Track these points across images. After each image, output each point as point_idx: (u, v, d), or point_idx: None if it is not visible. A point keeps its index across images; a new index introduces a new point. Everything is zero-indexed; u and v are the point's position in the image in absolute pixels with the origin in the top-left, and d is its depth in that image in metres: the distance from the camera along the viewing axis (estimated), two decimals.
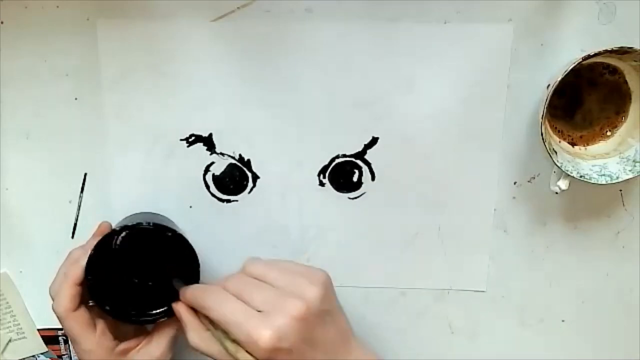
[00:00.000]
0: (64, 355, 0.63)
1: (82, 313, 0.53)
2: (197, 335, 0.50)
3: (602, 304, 0.60)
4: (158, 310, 0.54)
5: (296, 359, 0.45)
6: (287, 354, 0.45)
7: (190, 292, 0.51)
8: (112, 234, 0.52)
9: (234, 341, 0.46)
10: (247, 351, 0.46)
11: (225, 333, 0.47)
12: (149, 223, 0.52)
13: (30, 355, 0.63)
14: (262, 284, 0.48)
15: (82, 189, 0.58)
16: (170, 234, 0.52)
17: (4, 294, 0.60)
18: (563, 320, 0.61)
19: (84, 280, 0.51)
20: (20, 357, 0.62)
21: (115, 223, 0.57)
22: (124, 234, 0.52)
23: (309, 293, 0.47)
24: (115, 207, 0.58)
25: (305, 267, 0.51)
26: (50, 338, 0.62)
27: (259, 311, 0.46)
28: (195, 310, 0.51)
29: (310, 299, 0.46)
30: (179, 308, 0.51)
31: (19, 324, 0.61)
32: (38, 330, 0.62)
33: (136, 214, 0.57)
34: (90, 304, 0.53)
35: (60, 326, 0.60)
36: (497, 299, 0.60)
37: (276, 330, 0.44)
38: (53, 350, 0.63)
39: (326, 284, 0.49)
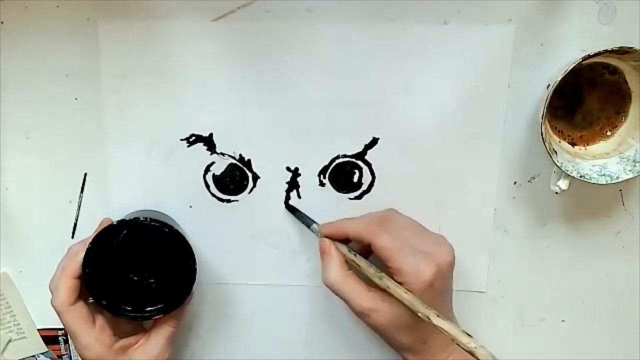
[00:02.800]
0: (64, 355, 0.63)
1: (81, 308, 0.53)
2: (339, 271, 0.52)
3: (602, 304, 0.60)
4: (154, 308, 0.54)
5: (438, 300, 0.50)
6: (434, 294, 0.49)
7: (352, 223, 0.54)
8: (110, 228, 0.52)
9: (384, 276, 0.50)
10: (398, 283, 0.49)
11: (379, 269, 0.50)
12: (145, 218, 0.52)
13: (30, 355, 0.63)
14: (414, 229, 0.53)
15: (82, 189, 0.58)
16: (167, 230, 0.52)
17: (4, 294, 0.60)
18: (563, 320, 0.61)
19: (82, 274, 0.52)
20: (20, 357, 0.62)
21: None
22: (124, 230, 0.52)
23: (450, 246, 0.53)
24: (115, 207, 0.58)
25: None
26: (50, 338, 0.62)
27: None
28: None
29: (452, 251, 0.52)
30: (326, 243, 0.54)
31: (19, 324, 0.61)
32: (38, 330, 0.62)
33: (139, 210, 0.57)
34: (89, 300, 0.53)
35: (60, 326, 0.61)
36: (497, 299, 0.60)
37: (438, 267, 0.49)
38: (53, 350, 0.63)
39: None
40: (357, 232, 0.53)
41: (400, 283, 0.50)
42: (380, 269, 0.51)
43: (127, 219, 0.53)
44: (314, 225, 0.56)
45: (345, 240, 0.54)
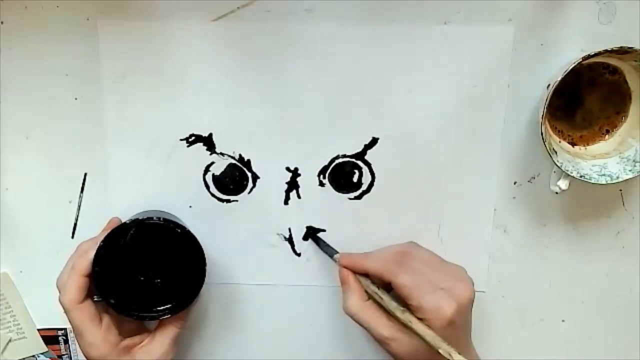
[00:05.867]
0: (64, 355, 0.63)
1: (88, 306, 0.53)
2: (357, 302, 0.53)
3: (602, 304, 0.60)
4: (162, 308, 0.54)
5: (458, 335, 0.50)
6: (454, 330, 0.49)
7: (372, 261, 0.54)
8: (122, 227, 0.52)
9: (406, 311, 0.50)
10: (419, 319, 0.49)
11: (399, 303, 0.51)
12: (159, 218, 0.52)
13: (30, 355, 0.63)
14: (433, 265, 0.53)
15: (82, 189, 0.58)
16: (179, 230, 0.53)
17: (4, 294, 0.60)
18: (563, 320, 0.61)
19: (91, 272, 0.52)
20: (20, 357, 0.62)
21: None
22: (133, 229, 0.52)
23: (470, 281, 0.53)
24: (115, 207, 0.58)
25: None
26: (50, 338, 0.62)
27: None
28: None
29: (472, 286, 0.52)
30: (346, 273, 0.54)
31: (19, 324, 0.61)
32: (38, 330, 0.62)
33: (149, 210, 0.57)
34: (96, 299, 0.53)
35: (60, 326, 0.61)
36: (497, 299, 0.60)
37: (459, 305, 0.50)
38: (53, 350, 0.63)
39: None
40: (376, 271, 0.53)
41: (420, 319, 0.50)
42: (400, 303, 0.51)
43: (140, 218, 0.53)
44: (336, 256, 0.56)
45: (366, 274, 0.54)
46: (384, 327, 0.51)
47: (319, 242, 0.58)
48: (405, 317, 0.50)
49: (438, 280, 0.51)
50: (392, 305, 0.51)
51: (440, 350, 0.47)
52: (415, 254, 0.54)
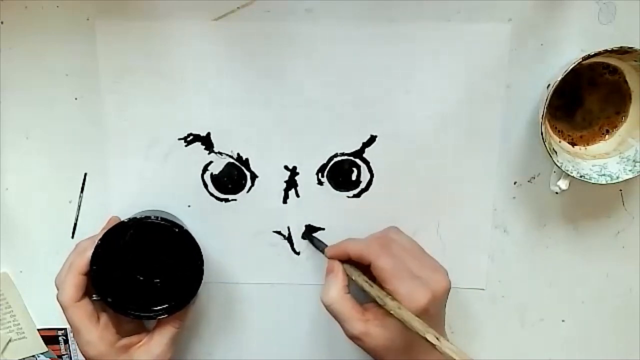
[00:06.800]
0: (64, 355, 0.63)
1: (86, 304, 0.53)
2: (338, 293, 0.53)
3: (602, 304, 0.60)
4: (160, 307, 0.54)
5: (432, 325, 0.49)
6: (428, 319, 0.49)
7: (354, 243, 0.54)
8: (120, 226, 0.52)
9: (394, 298, 0.50)
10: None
11: (382, 290, 0.51)
12: (157, 217, 0.52)
13: (30, 355, 0.63)
14: (413, 252, 0.54)
15: (82, 189, 0.58)
16: (177, 229, 0.53)
17: (4, 294, 0.60)
18: (563, 320, 0.61)
19: (89, 271, 0.52)
20: (20, 357, 0.63)
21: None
22: (132, 229, 0.52)
23: (447, 273, 0.53)
24: (114, 207, 0.58)
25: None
26: (50, 338, 0.62)
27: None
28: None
29: (448, 279, 0.52)
30: (334, 263, 0.54)
31: (19, 324, 0.61)
32: (38, 330, 0.62)
33: (147, 210, 0.57)
34: (94, 297, 0.53)
35: (60, 326, 0.61)
36: (497, 298, 0.60)
37: (433, 294, 0.50)
38: (53, 350, 0.63)
39: None
40: (358, 252, 0.53)
41: None
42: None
43: (138, 217, 0.53)
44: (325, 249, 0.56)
45: (350, 262, 0.54)
46: (359, 321, 0.51)
47: (312, 240, 0.58)
48: (393, 304, 0.50)
49: (416, 269, 0.51)
50: (382, 293, 0.51)
51: (427, 336, 0.46)
52: (397, 239, 0.55)
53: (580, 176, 0.53)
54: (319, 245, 0.57)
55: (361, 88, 0.55)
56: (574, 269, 0.59)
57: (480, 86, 0.55)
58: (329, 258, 0.55)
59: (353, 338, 0.52)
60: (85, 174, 0.58)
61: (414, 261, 0.52)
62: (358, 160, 0.57)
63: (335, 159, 0.57)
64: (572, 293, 0.60)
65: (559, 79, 0.50)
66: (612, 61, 0.53)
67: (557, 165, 0.52)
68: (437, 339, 0.46)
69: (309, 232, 0.59)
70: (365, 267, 0.53)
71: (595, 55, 0.50)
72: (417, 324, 0.48)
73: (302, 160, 0.57)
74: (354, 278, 0.53)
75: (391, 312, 0.49)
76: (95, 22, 0.54)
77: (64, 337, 0.62)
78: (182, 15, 0.53)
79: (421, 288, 0.50)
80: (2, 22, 0.54)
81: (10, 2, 0.53)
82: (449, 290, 0.52)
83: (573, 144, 0.56)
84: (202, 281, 0.53)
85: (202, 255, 0.53)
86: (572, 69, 0.50)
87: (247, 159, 0.57)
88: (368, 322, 0.51)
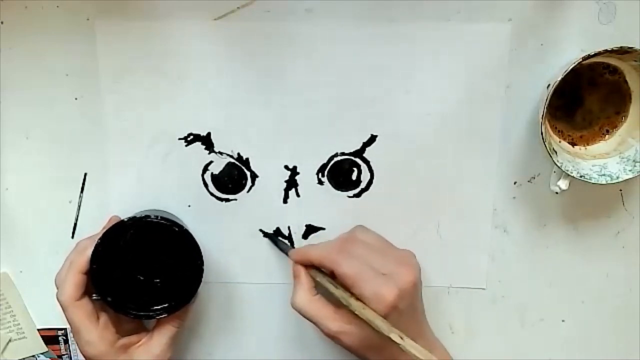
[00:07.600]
0: (64, 355, 0.63)
1: (86, 303, 0.53)
2: (305, 296, 0.53)
3: (602, 304, 0.60)
4: (159, 307, 0.54)
5: (405, 320, 0.50)
6: (399, 315, 0.49)
7: (315, 250, 0.54)
8: (120, 225, 0.52)
9: (358, 299, 0.49)
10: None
11: (347, 291, 0.50)
12: (156, 217, 0.52)
13: (30, 355, 0.63)
14: (378, 250, 0.53)
15: (82, 189, 0.58)
16: (177, 229, 0.53)
17: (4, 294, 0.60)
18: (563, 320, 0.61)
19: (89, 270, 0.52)
20: (20, 357, 0.63)
21: None
22: (132, 229, 0.52)
23: (415, 265, 0.53)
24: (114, 207, 0.58)
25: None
26: (50, 338, 0.62)
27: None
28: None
29: (417, 270, 0.53)
30: (298, 268, 0.54)
31: (19, 324, 0.61)
32: (38, 330, 0.62)
33: (147, 209, 0.57)
34: (94, 297, 0.53)
35: (60, 326, 0.61)
36: (497, 298, 0.60)
37: (400, 290, 0.49)
38: (53, 350, 0.63)
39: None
40: (319, 260, 0.53)
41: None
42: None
43: (137, 216, 0.53)
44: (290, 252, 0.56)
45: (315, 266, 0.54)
46: (332, 321, 0.51)
47: (277, 243, 0.58)
48: (357, 304, 0.49)
49: (381, 266, 0.51)
50: (346, 294, 0.50)
51: (391, 336, 0.46)
52: (361, 238, 0.54)
53: (580, 176, 0.53)
54: (284, 248, 0.57)
55: (361, 88, 0.55)
56: (574, 269, 0.59)
57: (480, 86, 0.55)
58: (294, 262, 0.55)
59: (330, 337, 0.52)
60: (85, 174, 0.58)
61: (378, 259, 0.52)
62: (358, 160, 0.57)
63: (336, 159, 0.57)
64: (572, 293, 0.60)
65: (559, 79, 0.50)
66: (612, 61, 0.53)
67: (557, 165, 0.52)
68: (402, 338, 0.46)
69: (276, 234, 0.58)
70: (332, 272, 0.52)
71: (595, 55, 0.50)
72: (381, 324, 0.47)
73: (303, 160, 0.57)
74: (318, 280, 0.53)
75: (356, 312, 0.49)
76: (95, 22, 0.54)
77: (64, 337, 0.62)
78: (182, 15, 0.53)
79: (385, 286, 0.49)
80: (2, 22, 0.54)
81: (10, 2, 0.53)
82: (418, 283, 0.52)
83: (573, 144, 0.56)
84: (202, 281, 0.53)
85: (202, 255, 0.53)
86: (572, 69, 0.50)
87: (247, 159, 0.57)
88: (342, 321, 0.51)
